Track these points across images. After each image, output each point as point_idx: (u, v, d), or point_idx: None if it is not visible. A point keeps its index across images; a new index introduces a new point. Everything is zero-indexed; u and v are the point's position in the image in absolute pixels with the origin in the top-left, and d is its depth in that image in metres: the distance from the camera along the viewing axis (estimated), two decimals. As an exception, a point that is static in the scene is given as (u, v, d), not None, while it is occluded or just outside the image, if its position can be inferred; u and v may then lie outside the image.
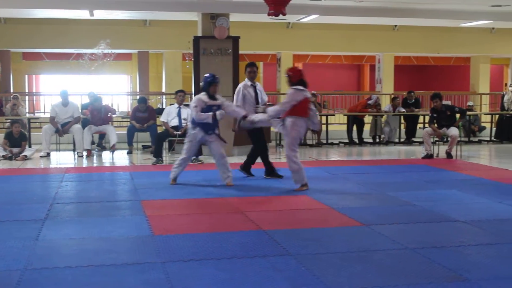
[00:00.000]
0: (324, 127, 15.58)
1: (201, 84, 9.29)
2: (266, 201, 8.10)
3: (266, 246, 5.75)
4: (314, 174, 10.57)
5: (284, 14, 10.28)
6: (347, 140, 15.87)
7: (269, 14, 10.34)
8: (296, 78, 8.87)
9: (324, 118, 15.83)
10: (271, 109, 8.96)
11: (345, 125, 16.33)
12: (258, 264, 5.17)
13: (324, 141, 15.55)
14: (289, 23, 20.26)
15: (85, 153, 12.99)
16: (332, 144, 15.56)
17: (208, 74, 9.28)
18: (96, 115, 13.38)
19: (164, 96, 19.19)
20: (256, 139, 10.02)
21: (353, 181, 9.68)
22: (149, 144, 14.04)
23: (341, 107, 21.33)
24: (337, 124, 17.47)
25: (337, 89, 27.00)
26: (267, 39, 21.09)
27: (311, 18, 16.04)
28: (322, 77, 28.63)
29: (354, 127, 15.95)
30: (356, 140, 15.81)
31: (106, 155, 13.45)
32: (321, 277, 4.83)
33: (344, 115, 16.82)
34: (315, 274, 4.89)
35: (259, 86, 10.14)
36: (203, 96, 9.05)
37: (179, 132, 11.99)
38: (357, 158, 13.44)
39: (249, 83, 9.98)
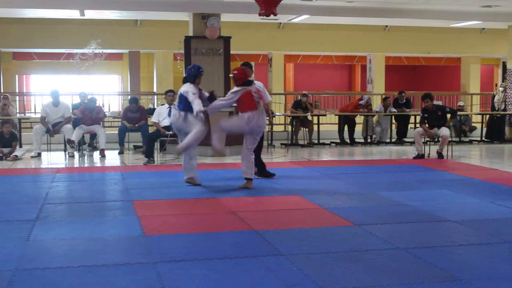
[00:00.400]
0: (315, 127, 15.60)
1: (186, 75, 9.30)
2: (258, 201, 8.10)
3: (258, 246, 5.75)
4: (306, 174, 10.60)
5: (275, 14, 10.29)
6: (338, 140, 15.90)
7: (260, 14, 10.34)
8: (240, 81, 8.96)
9: (315, 118, 15.86)
10: (210, 106, 9.13)
11: (337, 125, 16.36)
12: (250, 264, 5.16)
13: (316, 141, 15.56)
14: (280, 23, 20.28)
15: (70, 145, 12.81)
16: (323, 144, 15.57)
17: (192, 66, 9.33)
18: (88, 115, 13.34)
19: (155, 96, 19.17)
20: None
21: (345, 181, 9.69)
22: (141, 144, 14.01)
23: (332, 107, 21.38)
24: (328, 124, 17.49)
25: (328, 89, 27.06)
26: (258, 39, 21.10)
27: (302, 18, 16.07)
28: (314, 77, 28.70)
29: (346, 127, 15.96)
30: (348, 140, 15.83)
31: (97, 155, 13.40)
32: (313, 276, 4.83)
33: (336, 115, 16.85)
34: (307, 274, 4.89)
35: (259, 85, 9.73)
36: (192, 86, 8.99)
37: (171, 132, 11.96)
38: (349, 158, 13.47)
39: None
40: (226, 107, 9.28)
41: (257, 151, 9.67)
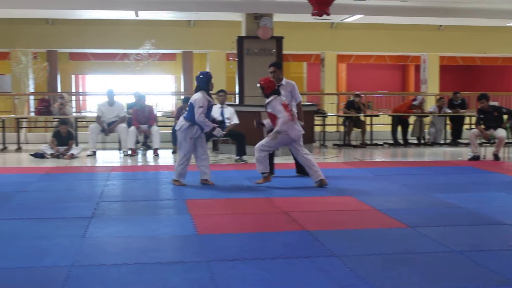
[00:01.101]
0: (368, 127, 15.49)
1: (196, 83, 9.12)
2: (310, 201, 8.07)
3: (310, 246, 5.74)
4: (358, 174, 10.53)
5: (328, 14, 10.25)
6: (391, 141, 15.74)
7: (313, 14, 10.32)
8: (269, 90, 9.03)
9: (368, 118, 15.74)
10: (281, 125, 8.93)
11: (390, 126, 16.19)
12: (302, 264, 5.15)
13: (369, 142, 15.44)
14: (333, 23, 20.21)
15: (129, 152, 13.12)
16: (376, 145, 15.44)
17: (203, 72, 9.25)
18: (140, 114, 13.51)
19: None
20: None
21: (398, 182, 9.58)
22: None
23: (385, 108, 21.15)
24: (381, 125, 17.33)
25: (381, 89, 26.80)
26: (311, 39, 21.06)
27: (355, 18, 15.96)
28: (366, 77, 28.47)
29: (399, 128, 15.80)
30: (401, 141, 15.66)
31: (151, 154, 13.56)
32: (366, 278, 4.79)
33: (389, 115, 16.67)
34: (360, 276, 4.85)
35: (291, 84, 9.78)
36: (204, 95, 8.93)
37: (223, 132, 12.01)
38: (402, 159, 13.32)
39: None
40: (286, 117, 8.94)
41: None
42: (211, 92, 9.14)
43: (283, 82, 9.68)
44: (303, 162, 9.23)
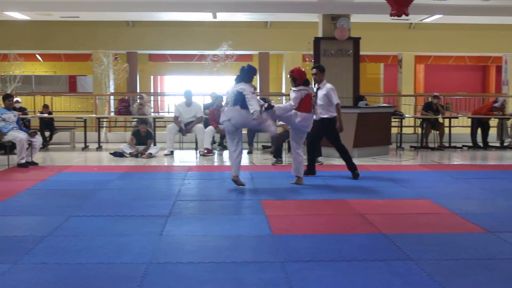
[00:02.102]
0: (446, 130, 15.18)
1: (242, 74, 8.95)
2: (386, 204, 7.97)
3: (386, 249, 5.67)
4: (436, 177, 10.33)
5: (406, 15, 10.10)
6: (471, 144, 15.37)
7: (391, 15, 10.18)
8: (301, 80, 9.20)
9: (447, 120, 15.43)
10: (279, 108, 9.14)
11: (469, 128, 15.81)
12: (378, 267, 5.10)
13: (447, 144, 15.13)
14: (411, 23, 19.93)
15: (205, 152, 13.28)
16: (455, 147, 15.12)
17: (248, 66, 9.13)
18: (217, 115, 13.65)
19: (283, 97, 19.31)
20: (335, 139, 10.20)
21: (477, 186, 9.36)
22: (269, 144, 14.18)
23: (464, 110, 20.68)
24: (460, 127, 16.96)
25: (460, 91, 26.21)
26: (389, 40, 20.83)
27: (435, 18, 15.67)
28: (445, 78, 27.90)
29: (479, 131, 15.41)
30: (481, 144, 15.28)
31: (227, 154, 13.68)
32: (444, 283, 4.69)
33: (468, 117, 16.29)
34: (437, 281, 4.76)
35: (329, 87, 10.00)
36: (248, 85, 8.86)
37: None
38: (482, 163, 12.99)
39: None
40: (293, 108, 9.14)
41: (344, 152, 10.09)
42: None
43: (321, 85, 10.05)
44: (294, 156, 9.44)
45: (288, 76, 9.46)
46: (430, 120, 15.01)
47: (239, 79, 8.94)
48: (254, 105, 8.57)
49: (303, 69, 9.42)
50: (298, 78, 9.20)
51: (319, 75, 10.05)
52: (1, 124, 11.54)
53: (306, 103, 9.16)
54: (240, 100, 8.70)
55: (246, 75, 8.95)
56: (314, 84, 10.09)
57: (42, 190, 8.95)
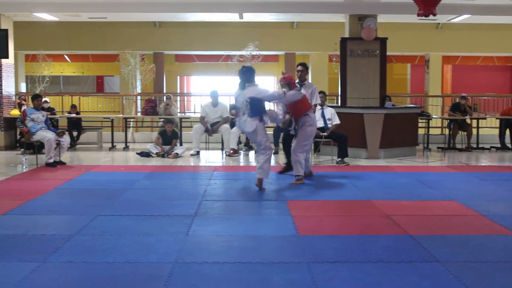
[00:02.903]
0: (474, 130, 15.04)
1: (245, 77, 8.94)
2: (413, 205, 7.92)
3: (413, 251, 5.63)
4: (464, 179, 10.25)
5: (434, 15, 10.02)
6: (499, 145, 15.20)
7: (418, 15, 10.10)
8: (294, 85, 9.43)
9: (474, 121, 15.28)
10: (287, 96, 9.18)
11: (497, 129, 15.64)
12: (404, 269, 5.07)
13: (474, 146, 14.99)
14: (438, 23, 19.79)
15: (230, 152, 13.31)
16: (482, 148, 14.96)
17: (246, 66, 9.13)
18: (242, 115, 13.67)
19: (310, 98, 19.25)
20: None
21: (505, 188, 9.25)
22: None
23: (493, 110, 20.46)
24: (488, 128, 16.79)
25: (488, 91, 25.94)
26: (416, 40, 20.70)
27: (463, 18, 15.52)
28: (473, 79, 27.62)
29: (507, 132, 15.24)
30: (509, 145, 15.10)
31: (252, 154, 13.70)
32: (471, 286, 4.65)
33: (496, 118, 16.12)
34: (465, 283, 4.72)
35: (313, 87, 10.10)
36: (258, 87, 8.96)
37: (325, 134, 11.99)
38: (510, 164, 12.84)
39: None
40: (301, 95, 9.30)
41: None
42: None
43: (306, 82, 10.14)
44: (292, 158, 9.57)
45: (280, 83, 9.52)
46: (457, 121, 14.88)
47: (243, 83, 8.92)
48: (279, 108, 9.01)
49: (289, 75, 9.65)
50: (293, 81, 9.44)
51: (304, 73, 10.18)
52: (30, 124, 11.67)
53: (305, 102, 9.42)
54: (255, 107, 8.75)
55: (249, 77, 8.92)
56: (297, 82, 10.02)
57: (69, 190, 9.04)
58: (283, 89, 9.26)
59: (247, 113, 8.78)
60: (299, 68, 10.18)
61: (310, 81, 10.21)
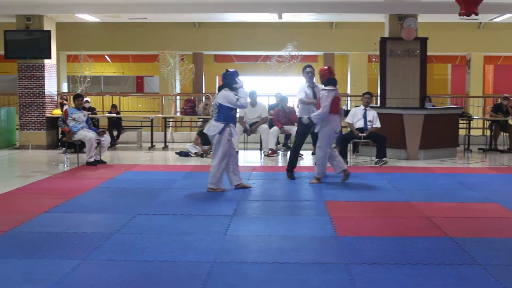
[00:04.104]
0: (516, 132, 14.80)
1: (226, 80, 8.92)
2: (454, 207, 7.82)
3: (453, 253, 5.56)
4: (505, 181, 10.10)
5: (476, 14, 9.88)
6: (542, 147, 14.93)
7: (460, 14, 9.98)
8: (325, 77, 9.37)
9: (517, 122, 15.04)
10: (314, 115, 9.41)
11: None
12: (444, 271, 5.01)
13: (517, 147, 14.76)
14: (480, 23, 19.51)
15: (269, 152, 13.32)
16: (525, 150, 14.72)
17: (231, 70, 9.05)
18: (281, 115, 13.69)
19: (348, 98, 19.19)
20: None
21: (549, 190, 9.09)
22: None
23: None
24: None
25: (531, 92, 25.50)
26: (457, 40, 20.45)
27: (505, 17, 15.28)
28: (516, 79, 27.17)
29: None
30: (553, 147, 14.83)
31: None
32: (513, 289, 4.59)
33: (540, 119, 15.82)
34: (506, 287, 4.65)
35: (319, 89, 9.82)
36: (230, 91, 8.86)
37: (364, 134, 11.92)
38: (553, 166, 12.60)
39: (306, 84, 10.07)
40: (326, 113, 9.28)
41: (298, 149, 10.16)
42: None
43: (315, 85, 10.12)
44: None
45: (322, 80, 9.55)
46: (499, 122, 14.65)
47: (222, 86, 8.93)
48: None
49: (328, 67, 9.70)
50: (321, 74, 9.48)
51: (314, 74, 10.14)
52: (71, 124, 11.84)
53: (335, 104, 9.33)
54: (222, 112, 8.73)
55: (230, 80, 8.90)
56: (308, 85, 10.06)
57: (110, 188, 9.15)
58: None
59: (214, 117, 8.84)
60: (310, 69, 10.06)
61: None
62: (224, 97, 8.73)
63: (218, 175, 8.81)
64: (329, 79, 9.41)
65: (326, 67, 9.78)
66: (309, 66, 10.15)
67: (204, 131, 8.95)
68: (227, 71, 9.00)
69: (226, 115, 8.74)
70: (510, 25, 18.72)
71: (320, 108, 9.33)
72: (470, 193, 8.81)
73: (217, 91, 9.09)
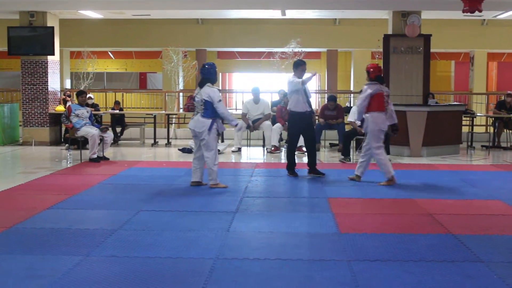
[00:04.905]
0: (519, 129, 14.78)
1: (203, 75, 8.78)
2: (456, 204, 7.82)
3: (456, 250, 5.56)
4: (508, 178, 10.09)
5: (480, 11, 9.87)
6: (545, 144, 14.91)
7: (464, 11, 9.97)
8: (375, 73, 9.19)
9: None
10: (353, 112, 9.20)
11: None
12: (446, 269, 5.01)
13: (520, 144, 14.74)
14: (484, 19, 19.47)
15: (271, 149, 13.32)
16: (528, 147, 14.71)
17: (209, 63, 8.92)
18: (284, 112, 13.66)
19: (351, 95, 19.18)
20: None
21: (552, 188, 9.08)
22: (337, 142, 14.10)
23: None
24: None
25: (535, 89, 25.45)
26: (460, 37, 20.40)
27: (509, 14, 15.24)
28: (519, 77, 27.12)
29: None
30: (556, 144, 14.80)
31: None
32: (515, 287, 4.59)
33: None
34: (509, 284, 4.65)
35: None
36: (216, 88, 8.76)
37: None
38: (557, 163, 12.59)
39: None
40: (364, 107, 9.14)
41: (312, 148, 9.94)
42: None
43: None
44: (376, 159, 9.33)
45: (370, 76, 9.32)
46: (502, 119, 14.63)
47: (203, 82, 8.76)
48: (233, 121, 8.97)
49: (379, 65, 9.45)
50: (371, 71, 9.21)
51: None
52: (74, 120, 11.85)
53: (377, 101, 9.11)
54: (208, 109, 8.66)
55: (208, 74, 8.77)
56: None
57: (112, 185, 9.17)
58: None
59: (200, 113, 8.73)
60: (304, 67, 9.87)
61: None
62: (209, 94, 8.62)
63: (216, 170, 8.82)
64: (377, 76, 9.21)
65: (376, 64, 9.60)
66: (304, 62, 9.93)
67: (189, 126, 8.83)
68: (204, 65, 8.89)
69: (213, 110, 8.68)
70: (514, 22, 18.68)
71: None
72: (473, 190, 8.81)
73: (197, 87, 8.90)
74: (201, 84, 8.78)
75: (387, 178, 9.19)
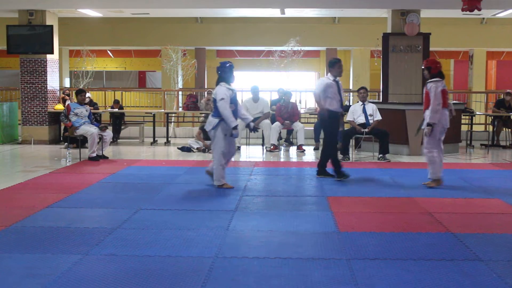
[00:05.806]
0: (519, 128, 14.78)
1: (220, 74, 8.65)
2: (455, 202, 7.83)
3: (455, 249, 5.57)
4: (507, 176, 10.10)
5: (479, 9, 9.88)
6: (544, 142, 14.92)
7: (463, 10, 9.98)
8: (436, 69, 8.79)
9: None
10: (431, 117, 8.69)
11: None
12: (445, 267, 5.01)
13: (519, 143, 14.75)
14: (483, 18, 19.49)
15: (271, 147, 13.32)
16: (527, 146, 14.71)
17: (225, 62, 8.77)
18: (283, 111, 13.67)
19: (351, 93, 19.19)
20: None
21: (551, 186, 9.09)
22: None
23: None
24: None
25: (534, 87, 25.46)
26: (459, 36, 20.43)
27: (508, 12, 15.23)
28: (518, 75, 27.14)
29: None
30: (555, 143, 14.81)
31: (293, 150, 13.69)
32: (515, 285, 4.59)
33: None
34: (508, 283, 4.65)
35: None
36: (225, 87, 8.56)
37: (366, 130, 11.91)
38: (556, 162, 12.60)
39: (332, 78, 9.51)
40: (440, 106, 8.72)
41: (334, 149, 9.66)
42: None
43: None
44: (427, 157, 8.98)
45: (422, 67, 9.11)
46: (502, 118, 14.64)
47: (218, 80, 8.67)
48: (231, 122, 8.37)
49: (438, 60, 9.15)
50: (433, 66, 8.83)
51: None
52: (73, 119, 11.84)
53: (443, 98, 8.79)
54: (216, 108, 8.50)
55: (223, 73, 8.65)
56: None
57: (112, 183, 9.16)
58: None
59: (211, 112, 8.73)
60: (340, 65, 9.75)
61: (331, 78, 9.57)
62: (215, 92, 8.58)
63: (220, 171, 8.74)
64: (440, 71, 8.88)
65: (433, 59, 9.29)
66: (339, 60, 9.74)
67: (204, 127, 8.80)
68: (220, 63, 8.79)
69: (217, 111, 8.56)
70: (513, 20, 18.71)
71: (428, 103, 8.80)
72: (472, 188, 8.81)
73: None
74: (216, 83, 8.72)
75: (432, 179, 8.94)
